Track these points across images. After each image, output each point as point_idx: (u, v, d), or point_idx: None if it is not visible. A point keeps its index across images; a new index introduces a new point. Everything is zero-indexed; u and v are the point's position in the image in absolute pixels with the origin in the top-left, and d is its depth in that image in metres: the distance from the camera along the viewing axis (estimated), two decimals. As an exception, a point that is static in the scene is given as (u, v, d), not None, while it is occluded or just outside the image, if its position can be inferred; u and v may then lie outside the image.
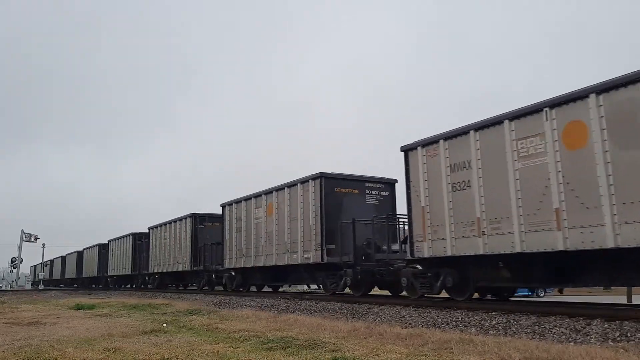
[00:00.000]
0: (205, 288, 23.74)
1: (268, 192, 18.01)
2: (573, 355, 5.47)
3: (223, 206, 21.28)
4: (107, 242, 39.97)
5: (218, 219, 23.33)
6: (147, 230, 31.81)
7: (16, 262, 49.56)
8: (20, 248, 48.66)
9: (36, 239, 50.79)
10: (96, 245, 42.58)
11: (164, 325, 10.15)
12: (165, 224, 28.33)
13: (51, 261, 64.13)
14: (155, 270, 29.33)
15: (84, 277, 46.53)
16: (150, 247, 30.17)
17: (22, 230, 48.76)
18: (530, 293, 32.28)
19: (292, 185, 16.68)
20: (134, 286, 35.71)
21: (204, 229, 24.61)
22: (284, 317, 10.87)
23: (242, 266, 19.49)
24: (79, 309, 15.69)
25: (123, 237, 36.08)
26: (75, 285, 49.32)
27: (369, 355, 6.08)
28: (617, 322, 7.49)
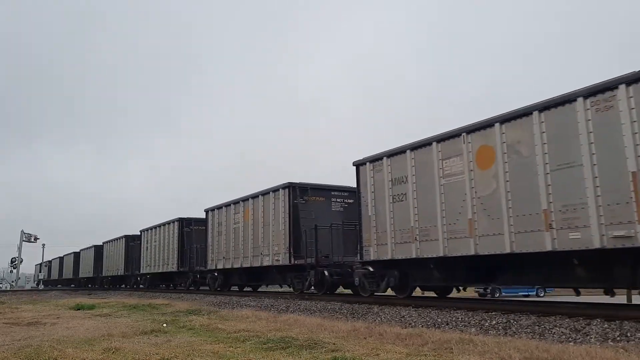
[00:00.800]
0: (312, 290, 16.92)
1: (475, 129, 10.65)
2: (573, 355, 5.47)
3: (358, 165, 13.91)
4: (139, 233, 32.78)
5: (323, 191, 17.73)
6: (189, 216, 26.35)
7: (16, 262, 49.52)
8: (20, 248, 48.64)
9: (36, 239, 50.74)
10: (122, 237, 36.03)
11: (164, 325, 10.15)
12: (235, 202, 20.71)
13: (61, 258, 57.49)
14: (218, 267, 21.96)
15: (104, 276, 40.31)
16: (209, 235, 22.61)
17: (22, 231, 48.74)
18: (531, 292, 32.33)
19: (555, 104, 9.07)
20: (171, 286, 30.02)
21: (306, 204, 17.29)
22: (283, 317, 10.87)
23: (406, 257, 12.11)
24: (79, 309, 15.69)
25: (164, 224, 28.63)
26: (90, 285, 43.96)
27: (369, 355, 6.08)
28: (617, 322, 7.49)
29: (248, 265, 19.37)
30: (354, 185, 14.33)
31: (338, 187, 17.27)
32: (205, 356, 6.34)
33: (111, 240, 38.75)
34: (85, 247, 46.56)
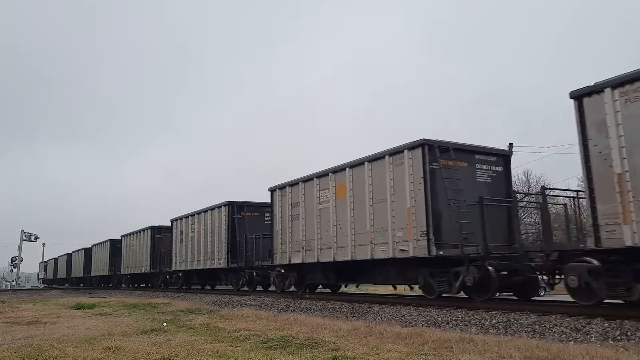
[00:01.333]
0: (460, 294, 11.72)
1: None
2: (573, 355, 5.47)
3: (596, 90, 8.66)
4: (169, 223, 27.84)
5: (466, 153, 12.43)
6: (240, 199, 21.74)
7: (16, 261, 49.56)
8: (20, 247, 48.66)
9: (36, 238, 50.69)
10: (147, 228, 31.37)
11: (164, 324, 10.15)
12: (321, 174, 15.56)
13: (68, 255, 52.37)
14: (293, 261, 16.78)
15: (122, 274, 35.16)
16: (277, 221, 17.80)
17: (22, 230, 48.76)
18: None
19: None
20: (206, 286, 26.15)
21: (448, 170, 11.76)
22: (284, 317, 10.87)
23: None
24: (79, 309, 15.69)
25: (205, 210, 23.59)
26: (103, 285, 40.03)
27: (370, 355, 6.07)
28: (618, 321, 7.49)
29: (346, 258, 14.17)
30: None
31: (484, 148, 12.68)
32: (205, 355, 6.34)
33: (132, 233, 33.85)
34: (99, 242, 42.45)
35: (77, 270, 48.77)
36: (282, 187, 17.64)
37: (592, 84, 8.86)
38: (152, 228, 30.93)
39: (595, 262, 8.72)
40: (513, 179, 13.73)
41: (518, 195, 11.64)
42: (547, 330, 7.72)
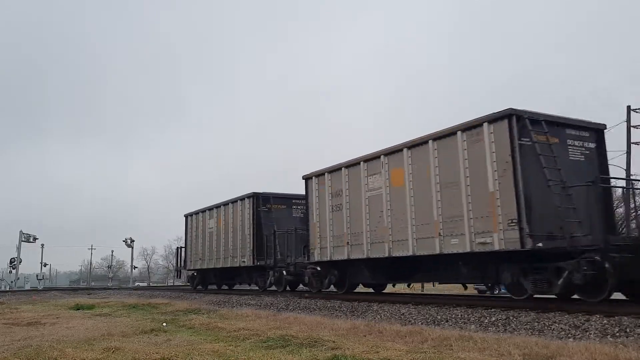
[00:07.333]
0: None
1: None
2: (572, 351, 5.48)
3: None
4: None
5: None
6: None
7: (15, 262, 49.48)
8: (19, 248, 48.57)
9: (35, 239, 50.64)
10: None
11: (164, 324, 10.16)
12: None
13: None
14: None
15: None
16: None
17: (21, 231, 48.67)
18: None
19: None
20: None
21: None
22: (283, 316, 10.88)
23: None
24: (79, 309, 15.68)
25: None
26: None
27: (369, 353, 6.08)
28: (616, 317, 7.51)
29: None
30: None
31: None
32: (205, 355, 6.34)
33: None
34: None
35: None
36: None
37: None
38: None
39: None
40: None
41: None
42: (546, 327, 7.74)
